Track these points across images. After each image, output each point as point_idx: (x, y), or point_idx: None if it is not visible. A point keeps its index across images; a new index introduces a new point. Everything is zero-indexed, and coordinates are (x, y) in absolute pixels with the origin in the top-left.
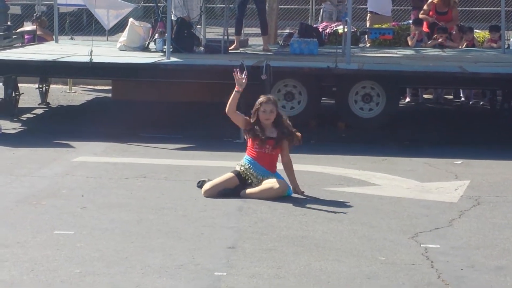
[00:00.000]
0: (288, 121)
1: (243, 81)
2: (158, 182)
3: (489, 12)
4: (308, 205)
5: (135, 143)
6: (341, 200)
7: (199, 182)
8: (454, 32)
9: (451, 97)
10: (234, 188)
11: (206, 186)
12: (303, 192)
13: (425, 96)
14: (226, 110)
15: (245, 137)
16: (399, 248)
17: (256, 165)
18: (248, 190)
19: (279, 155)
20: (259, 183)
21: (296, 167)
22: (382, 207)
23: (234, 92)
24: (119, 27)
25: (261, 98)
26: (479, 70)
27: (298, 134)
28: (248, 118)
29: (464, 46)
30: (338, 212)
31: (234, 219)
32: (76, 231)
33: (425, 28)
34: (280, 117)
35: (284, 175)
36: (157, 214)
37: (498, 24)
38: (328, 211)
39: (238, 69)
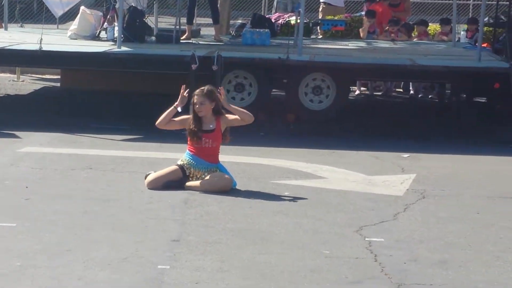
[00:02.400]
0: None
1: (185, 99)
2: (104, 174)
3: (440, 5)
4: (254, 198)
5: (82, 133)
6: (287, 193)
7: (147, 175)
8: (405, 23)
9: (401, 90)
10: (179, 181)
11: (149, 177)
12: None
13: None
14: (157, 123)
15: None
16: (343, 241)
17: (197, 160)
18: (193, 183)
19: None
20: (203, 177)
21: (243, 159)
22: (328, 200)
23: (172, 108)
24: (70, 15)
25: (196, 91)
26: (429, 63)
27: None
28: (189, 117)
29: (415, 38)
30: (284, 205)
31: (179, 212)
32: (18, 223)
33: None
34: (218, 107)
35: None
36: (102, 206)
37: (449, 17)
38: (274, 204)
39: (183, 86)
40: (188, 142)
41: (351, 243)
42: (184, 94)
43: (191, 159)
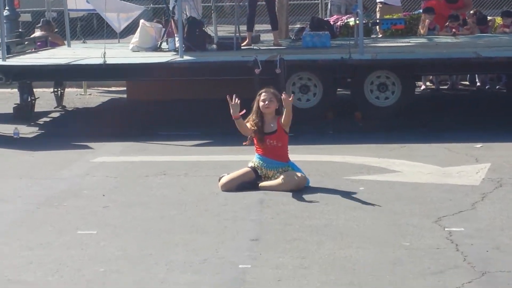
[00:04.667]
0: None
1: (237, 106)
2: (178, 179)
3: None
4: (329, 195)
5: (152, 141)
6: (362, 188)
7: (220, 177)
8: (468, 19)
9: (467, 83)
10: (252, 182)
11: (223, 180)
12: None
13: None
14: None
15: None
16: (423, 233)
17: (266, 160)
18: (267, 183)
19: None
20: (276, 176)
21: (314, 157)
22: (404, 193)
23: (234, 120)
24: (130, 29)
25: (262, 89)
26: (494, 54)
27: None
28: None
29: (477, 33)
30: (360, 200)
31: (256, 212)
32: (99, 230)
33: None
34: (280, 108)
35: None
36: (178, 210)
37: (510, 9)
38: (350, 200)
39: (231, 97)
40: (255, 144)
41: (431, 234)
42: (233, 102)
43: (261, 160)
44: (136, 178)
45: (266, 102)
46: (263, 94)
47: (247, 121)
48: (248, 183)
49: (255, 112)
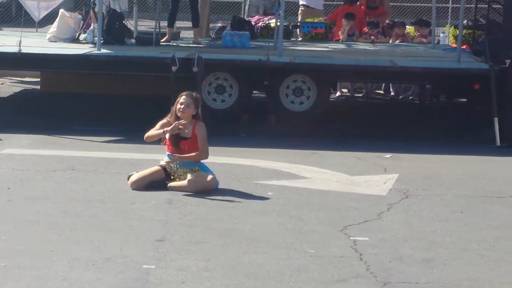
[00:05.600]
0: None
1: (177, 130)
2: (86, 175)
3: (419, 8)
4: (237, 198)
5: (63, 135)
6: (271, 193)
7: (129, 175)
8: (385, 26)
9: (381, 92)
10: (162, 181)
11: (133, 177)
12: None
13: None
14: (145, 138)
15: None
16: (328, 240)
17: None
18: (176, 183)
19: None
20: (185, 176)
21: (226, 160)
22: (311, 200)
23: (162, 131)
24: (49, 18)
25: (183, 92)
26: (410, 64)
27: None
28: (167, 119)
29: (396, 41)
30: (268, 205)
31: (163, 212)
32: (1, 224)
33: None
34: (198, 114)
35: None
36: (85, 207)
37: (429, 19)
38: (258, 204)
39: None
40: (166, 143)
41: (335, 242)
42: (179, 126)
43: (171, 159)
44: (44, 172)
45: (183, 106)
46: (183, 97)
47: (162, 121)
48: (157, 182)
49: (173, 114)
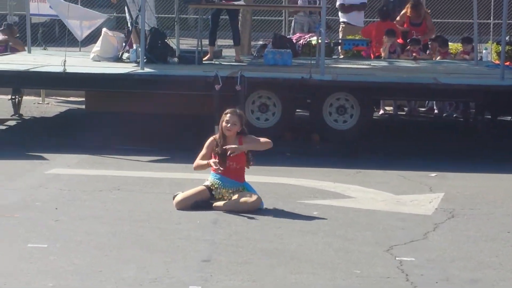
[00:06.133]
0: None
1: (221, 169)
2: (132, 195)
3: (462, 24)
4: (283, 218)
5: (109, 155)
6: (316, 213)
7: (174, 195)
8: (430, 43)
9: (425, 109)
10: (207, 201)
11: (178, 197)
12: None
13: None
14: (194, 167)
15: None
16: (374, 260)
17: (223, 179)
18: (221, 203)
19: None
20: (230, 196)
21: (270, 179)
22: (357, 219)
23: (209, 163)
24: (92, 38)
25: (227, 110)
26: (453, 81)
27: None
28: (213, 138)
29: (437, 58)
30: (313, 225)
31: (209, 232)
32: (50, 244)
33: (399, 39)
34: (244, 130)
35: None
36: (131, 227)
37: (471, 36)
38: (303, 224)
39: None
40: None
41: (382, 263)
42: (213, 163)
43: (217, 179)
44: (90, 192)
45: (229, 125)
46: (228, 115)
47: (209, 141)
48: (202, 201)
49: (219, 132)
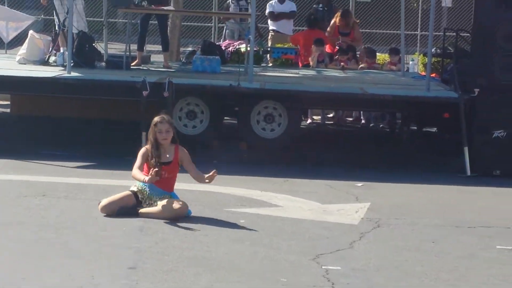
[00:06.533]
0: None
1: (156, 179)
2: (57, 201)
3: (390, 35)
4: (210, 226)
5: (33, 160)
6: (243, 221)
7: (100, 201)
8: (358, 53)
9: (352, 119)
10: (132, 207)
11: (103, 202)
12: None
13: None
14: (132, 176)
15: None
16: (300, 269)
17: (151, 187)
18: (147, 209)
19: (188, 170)
20: (155, 204)
21: (197, 187)
22: (283, 228)
23: (143, 179)
24: (19, 40)
25: (156, 118)
26: (380, 92)
27: None
28: (146, 148)
29: (365, 68)
30: (240, 233)
31: (135, 239)
32: None
33: (328, 48)
34: (175, 135)
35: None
36: (56, 233)
37: (398, 47)
38: (230, 232)
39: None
40: (144, 171)
41: (308, 271)
42: (155, 176)
43: (145, 186)
44: (14, 197)
45: (164, 133)
46: (159, 124)
47: (142, 152)
48: (128, 207)
49: (152, 143)
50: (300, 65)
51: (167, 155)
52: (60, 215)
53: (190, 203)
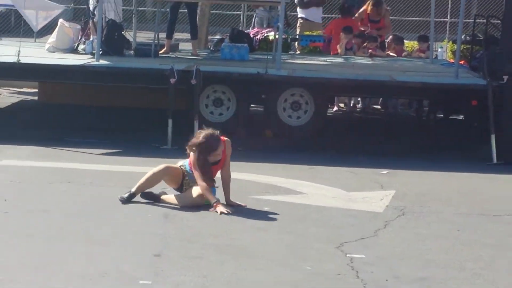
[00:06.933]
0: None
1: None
2: (83, 188)
3: (418, 22)
4: (235, 213)
5: (61, 147)
6: (268, 209)
7: (122, 196)
8: (387, 41)
9: (379, 107)
10: (177, 180)
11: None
12: (239, 204)
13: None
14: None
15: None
16: (325, 257)
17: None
18: (167, 197)
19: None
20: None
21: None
22: (308, 215)
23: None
24: (49, 28)
25: (207, 141)
26: (408, 79)
27: None
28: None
29: (394, 55)
30: (265, 221)
31: (160, 226)
32: None
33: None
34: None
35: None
36: (81, 220)
37: (427, 34)
38: (255, 220)
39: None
40: (191, 160)
41: (332, 259)
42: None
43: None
44: (41, 184)
45: (219, 155)
46: (217, 148)
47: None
48: (171, 180)
49: (201, 165)
50: (331, 53)
51: (217, 155)
52: (86, 201)
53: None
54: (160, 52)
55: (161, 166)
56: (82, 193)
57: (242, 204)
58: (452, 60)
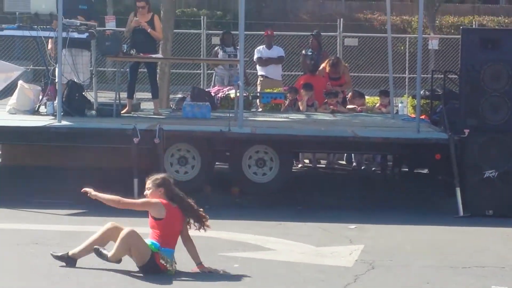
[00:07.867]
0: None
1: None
2: (50, 249)
3: (378, 78)
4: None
5: (25, 209)
6: (237, 265)
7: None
8: (348, 97)
9: (344, 162)
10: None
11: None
12: (210, 269)
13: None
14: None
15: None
16: None
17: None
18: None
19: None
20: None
21: (190, 232)
22: (278, 272)
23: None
24: (9, 90)
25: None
26: (370, 134)
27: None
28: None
29: (355, 110)
30: (234, 278)
31: (131, 286)
32: None
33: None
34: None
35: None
36: (49, 281)
37: (387, 89)
38: (224, 277)
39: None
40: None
41: None
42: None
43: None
44: (7, 246)
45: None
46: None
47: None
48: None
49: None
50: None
51: None
52: (53, 263)
53: (183, 248)
54: (122, 112)
55: (108, 224)
56: (49, 255)
57: (219, 270)
58: (413, 115)
